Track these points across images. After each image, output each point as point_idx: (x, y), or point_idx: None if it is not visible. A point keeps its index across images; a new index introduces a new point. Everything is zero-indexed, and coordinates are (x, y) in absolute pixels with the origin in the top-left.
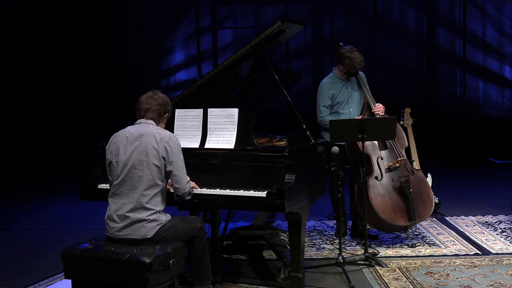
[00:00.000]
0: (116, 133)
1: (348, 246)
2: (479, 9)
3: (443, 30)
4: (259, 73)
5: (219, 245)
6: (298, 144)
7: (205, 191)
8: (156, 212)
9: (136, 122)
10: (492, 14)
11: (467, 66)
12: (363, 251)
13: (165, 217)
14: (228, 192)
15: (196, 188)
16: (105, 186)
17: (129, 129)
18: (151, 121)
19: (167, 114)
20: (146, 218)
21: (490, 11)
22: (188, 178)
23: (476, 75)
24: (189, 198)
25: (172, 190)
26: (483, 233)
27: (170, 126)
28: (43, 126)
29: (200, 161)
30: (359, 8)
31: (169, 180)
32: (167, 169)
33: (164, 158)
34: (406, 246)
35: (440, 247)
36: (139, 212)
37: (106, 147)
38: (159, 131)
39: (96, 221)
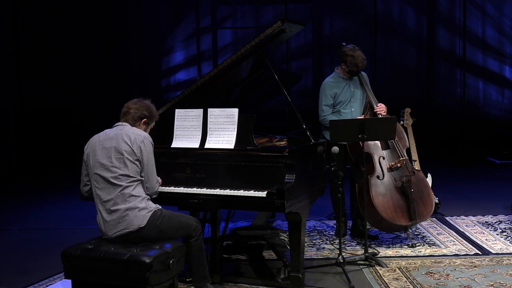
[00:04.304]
0: (94, 136)
1: (348, 246)
2: (479, 9)
3: (443, 30)
4: (259, 73)
5: (219, 245)
6: (298, 144)
7: (205, 191)
8: (143, 199)
9: (113, 125)
10: (492, 14)
11: (467, 66)
12: (363, 251)
13: (154, 205)
14: (228, 192)
15: (159, 184)
16: None
17: (106, 131)
18: (126, 123)
19: (144, 120)
20: (136, 206)
21: (490, 11)
22: (158, 179)
23: (476, 75)
24: (155, 196)
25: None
26: (483, 233)
27: (170, 127)
28: (43, 126)
29: (200, 161)
30: (359, 8)
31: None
32: (140, 166)
33: (138, 157)
34: (406, 246)
35: (440, 247)
36: (126, 202)
37: (85, 148)
38: (134, 131)
39: (96, 221)
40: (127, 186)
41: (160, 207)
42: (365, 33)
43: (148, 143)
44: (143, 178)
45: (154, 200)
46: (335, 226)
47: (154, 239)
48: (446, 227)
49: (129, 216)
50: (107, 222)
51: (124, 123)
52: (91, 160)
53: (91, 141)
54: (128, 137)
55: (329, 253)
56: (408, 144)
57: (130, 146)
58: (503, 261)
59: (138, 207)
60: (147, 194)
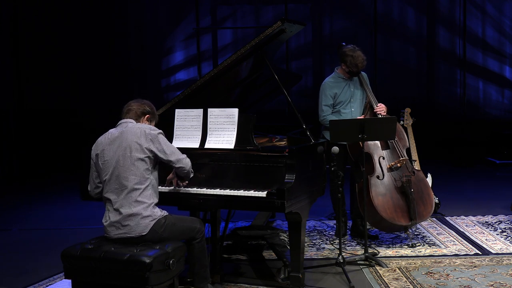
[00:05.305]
0: (100, 137)
1: (348, 246)
2: (479, 9)
3: (443, 30)
4: (259, 73)
5: (219, 245)
6: (298, 144)
7: (205, 191)
8: (149, 205)
9: (117, 124)
10: (492, 14)
11: (467, 66)
12: (363, 251)
13: (160, 212)
14: (228, 192)
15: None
16: None
17: (111, 130)
18: (130, 120)
19: (147, 116)
20: (140, 213)
21: (490, 11)
22: (184, 155)
23: (476, 75)
24: (192, 175)
25: (181, 186)
26: (483, 233)
27: (170, 127)
28: (43, 126)
29: (200, 161)
30: (359, 8)
31: (170, 176)
32: (163, 158)
33: (149, 150)
34: (406, 246)
35: (440, 247)
36: (131, 207)
37: (92, 150)
38: (139, 125)
39: (96, 221)
40: (134, 190)
41: (166, 214)
42: (365, 33)
43: (156, 131)
44: (153, 179)
45: (159, 203)
46: (335, 226)
47: (155, 243)
48: (446, 227)
49: (132, 222)
50: (111, 222)
51: (127, 119)
52: (100, 162)
53: (97, 142)
54: (134, 133)
55: (329, 253)
56: (408, 144)
57: (137, 143)
58: (503, 261)
59: (142, 214)
60: (183, 177)
